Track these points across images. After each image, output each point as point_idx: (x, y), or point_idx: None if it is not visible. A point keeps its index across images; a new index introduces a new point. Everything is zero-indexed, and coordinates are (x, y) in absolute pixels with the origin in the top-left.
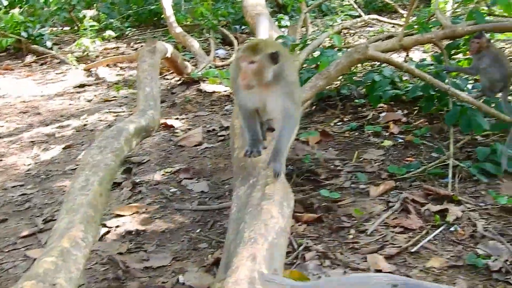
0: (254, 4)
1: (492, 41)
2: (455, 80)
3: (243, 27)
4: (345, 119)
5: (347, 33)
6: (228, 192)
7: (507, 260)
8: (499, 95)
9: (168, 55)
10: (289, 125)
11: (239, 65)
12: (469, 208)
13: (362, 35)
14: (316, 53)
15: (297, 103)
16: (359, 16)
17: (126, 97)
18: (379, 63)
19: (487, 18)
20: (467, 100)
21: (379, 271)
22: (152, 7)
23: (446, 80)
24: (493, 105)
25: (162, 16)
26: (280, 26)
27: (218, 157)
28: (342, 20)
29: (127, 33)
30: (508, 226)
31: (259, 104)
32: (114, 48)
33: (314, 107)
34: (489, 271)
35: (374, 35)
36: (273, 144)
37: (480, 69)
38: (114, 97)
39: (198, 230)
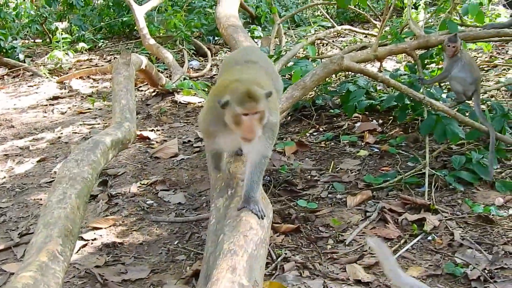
0: (227, 16)
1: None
2: (429, 89)
3: (216, 38)
4: (321, 129)
5: (320, 43)
6: (205, 203)
7: (485, 269)
8: (472, 104)
9: (143, 67)
10: (261, 167)
11: (241, 119)
12: (446, 217)
13: (335, 45)
14: (290, 64)
15: (274, 141)
16: (332, 26)
17: (101, 109)
18: (353, 73)
19: (459, 28)
20: (442, 109)
21: (358, 281)
22: (125, 19)
23: (421, 90)
24: (467, 114)
25: (135, 27)
26: (253, 37)
27: (195, 169)
28: (315, 31)
29: (100, 45)
30: (485, 235)
31: (237, 147)
32: (87, 60)
33: (289, 117)
34: (468, 280)
35: (347, 46)
36: (243, 187)
37: (452, 74)
38: (89, 109)
39: (176, 242)
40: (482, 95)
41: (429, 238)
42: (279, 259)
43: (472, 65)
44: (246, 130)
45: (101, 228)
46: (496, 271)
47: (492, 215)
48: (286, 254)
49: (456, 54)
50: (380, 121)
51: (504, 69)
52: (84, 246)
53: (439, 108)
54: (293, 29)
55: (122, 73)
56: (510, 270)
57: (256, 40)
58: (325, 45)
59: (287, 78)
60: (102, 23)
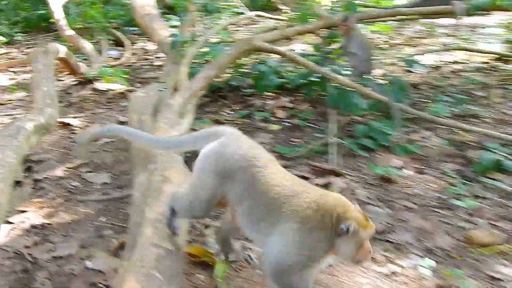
0: (143, 5)
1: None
2: (333, 66)
3: (134, 28)
4: (236, 108)
5: (233, 30)
6: (129, 182)
7: (387, 223)
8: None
9: (62, 55)
10: None
11: (362, 243)
12: (351, 180)
13: (248, 29)
14: (205, 49)
15: None
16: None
17: (22, 100)
18: (265, 56)
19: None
20: (345, 83)
21: None
22: (41, 12)
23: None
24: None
25: (53, 20)
26: (170, 26)
27: (118, 150)
28: (228, 17)
29: (17, 38)
30: (384, 193)
31: None
32: (4, 53)
33: (207, 98)
34: None
35: (259, 32)
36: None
37: (349, 51)
38: (9, 100)
39: (103, 219)
40: (384, 70)
41: None
42: (200, 226)
43: (365, 43)
44: (369, 252)
45: (28, 211)
46: (396, 223)
47: (391, 175)
48: (206, 220)
49: (350, 33)
50: (291, 98)
51: (401, 48)
52: (12, 229)
53: (343, 83)
54: (207, 17)
55: (41, 61)
56: (406, 222)
57: (172, 29)
58: (238, 31)
59: (202, 63)
60: (17, 17)
